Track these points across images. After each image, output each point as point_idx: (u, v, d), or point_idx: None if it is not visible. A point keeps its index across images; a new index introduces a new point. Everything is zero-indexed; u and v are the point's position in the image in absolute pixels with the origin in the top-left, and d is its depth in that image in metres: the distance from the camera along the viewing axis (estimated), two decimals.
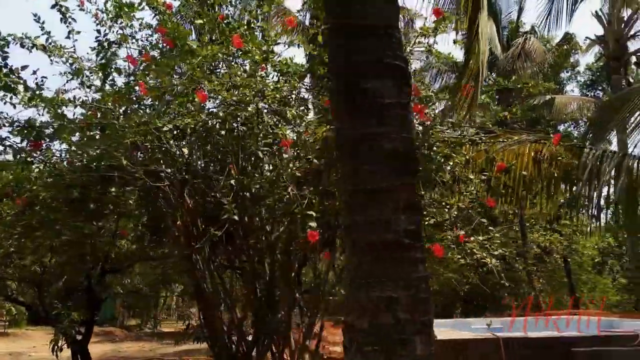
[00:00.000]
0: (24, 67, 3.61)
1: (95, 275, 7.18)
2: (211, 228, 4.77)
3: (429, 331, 2.02)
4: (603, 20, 14.11)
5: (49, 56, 4.27)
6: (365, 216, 2.03)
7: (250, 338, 4.68)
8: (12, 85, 3.53)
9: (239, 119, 3.96)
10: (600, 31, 14.48)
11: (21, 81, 3.61)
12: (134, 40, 4.90)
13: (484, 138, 4.05)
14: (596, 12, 14.04)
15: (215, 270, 4.77)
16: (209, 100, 4.53)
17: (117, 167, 4.17)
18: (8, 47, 3.57)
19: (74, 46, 4.51)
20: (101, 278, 7.35)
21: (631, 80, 15.65)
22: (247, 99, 3.93)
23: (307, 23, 9.35)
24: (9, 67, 3.58)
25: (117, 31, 4.76)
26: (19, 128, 3.73)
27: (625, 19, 14.17)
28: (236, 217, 3.63)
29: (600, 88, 22.47)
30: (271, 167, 4.29)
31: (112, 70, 3.94)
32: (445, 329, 10.80)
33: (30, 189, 4.28)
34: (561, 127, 21.29)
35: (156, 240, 5.69)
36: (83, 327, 7.12)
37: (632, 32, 14.31)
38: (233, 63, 4.51)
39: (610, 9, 13.79)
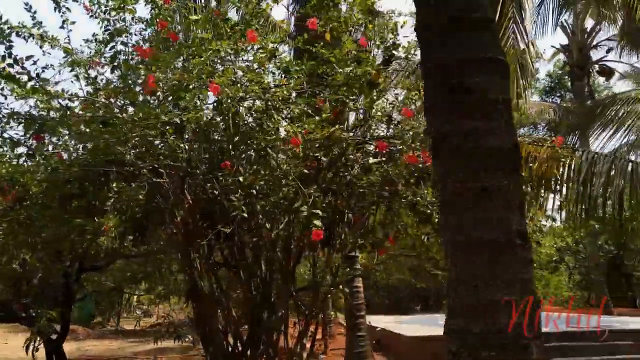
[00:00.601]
0: (28, 57, 3.46)
1: (73, 273, 6.97)
2: (209, 225, 4.77)
3: (542, 334, 1.99)
4: (567, 31, 14.73)
5: (41, 46, 4.13)
6: (474, 215, 1.98)
7: (246, 337, 4.65)
8: (17, 76, 3.38)
9: (247, 114, 3.94)
10: (564, 40, 15.14)
11: (25, 71, 3.46)
12: (127, 34, 4.83)
13: None
14: (561, 22, 14.66)
15: (210, 268, 4.72)
16: (207, 98, 4.49)
17: (117, 162, 4.07)
18: (10, 36, 3.40)
19: (68, 37, 4.39)
20: (78, 276, 7.14)
21: (592, 87, 16.41)
22: (256, 94, 3.92)
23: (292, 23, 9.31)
24: (13, 56, 3.42)
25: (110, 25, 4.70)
26: (22, 120, 3.57)
27: (588, 29, 14.86)
28: (245, 215, 3.60)
29: (558, 94, 23.39)
30: (277, 164, 4.28)
31: (121, 61, 3.83)
32: (416, 326, 11.06)
33: (24, 183, 4.12)
34: (521, 130, 22.03)
35: (140, 238, 5.58)
36: (58, 325, 6.91)
37: (594, 42, 15.02)
38: (234, 60, 4.49)
39: (574, 19, 14.40)
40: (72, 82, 4.48)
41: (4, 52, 3.41)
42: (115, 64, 3.81)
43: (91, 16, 4.71)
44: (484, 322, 1.93)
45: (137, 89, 4.16)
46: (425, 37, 2.28)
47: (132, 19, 4.75)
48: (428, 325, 11.40)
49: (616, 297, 15.95)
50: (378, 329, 10.99)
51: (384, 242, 5.20)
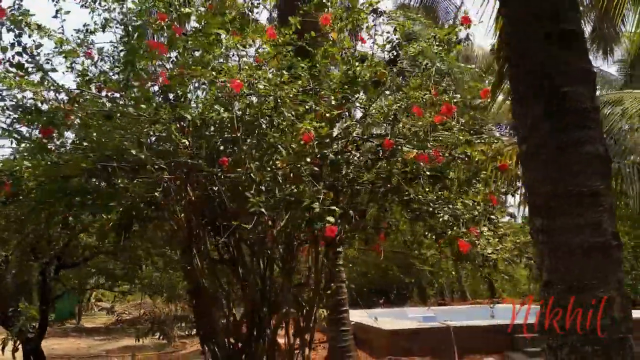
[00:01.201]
0: (38, 47, 3.32)
1: (51, 270, 6.75)
2: (208, 222, 4.72)
3: (632, 329, 2.09)
4: None
5: (29, 35, 3.97)
6: (571, 219, 2.08)
7: (246, 334, 4.63)
8: (26, 66, 3.24)
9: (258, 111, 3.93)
10: None
11: (34, 61, 3.32)
12: (118, 26, 4.74)
13: (486, 139, 4.29)
14: None
15: (211, 265, 4.68)
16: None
17: (119, 157, 3.97)
18: (24, 26, 3.25)
19: (62, 26, 4.25)
20: (57, 273, 6.92)
21: None
22: (266, 91, 3.91)
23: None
24: (22, 45, 3.27)
25: (101, 15, 4.61)
26: (24, 113, 3.43)
27: None
28: (264, 211, 3.59)
29: None
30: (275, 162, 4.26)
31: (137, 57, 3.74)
32: (388, 319, 11.26)
33: (20, 177, 3.96)
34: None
35: (126, 234, 5.46)
36: (36, 323, 6.68)
37: None
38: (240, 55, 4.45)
39: None
40: (63, 73, 4.35)
41: (13, 39, 3.26)
42: (130, 58, 3.68)
43: (82, 6, 4.60)
44: (584, 319, 2.03)
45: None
46: (519, 45, 2.34)
47: (122, 9, 4.69)
48: (400, 318, 11.65)
49: None
50: (352, 323, 11.12)
51: (375, 238, 5.29)
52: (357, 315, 11.84)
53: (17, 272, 6.74)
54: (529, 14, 2.31)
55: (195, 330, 10.67)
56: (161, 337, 6.80)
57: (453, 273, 15.13)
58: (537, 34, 2.27)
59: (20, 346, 6.04)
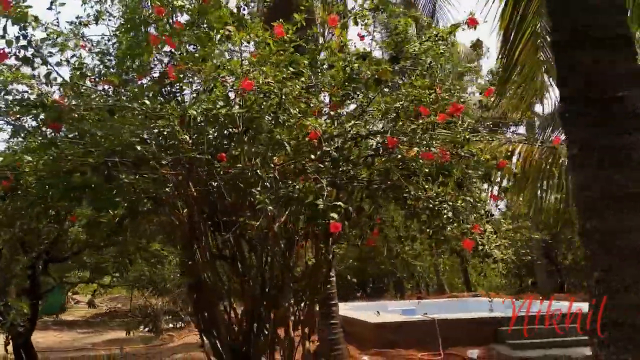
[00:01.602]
0: (43, 40, 3.27)
1: (40, 264, 6.66)
2: (208, 216, 4.73)
3: None
4: None
5: (24, 27, 3.91)
6: (628, 221, 2.14)
7: (246, 327, 4.66)
8: (32, 59, 3.18)
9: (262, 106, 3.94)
10: None
11: (39, 54, 3.26)
12: (111, 18, 4.71)
13: (485, 136, 4.39)
14: None
15: (212, 260, 4.68)
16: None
17: (122, 152, 3.94)
18: (27, 21, 3.18)
19: (57, 18, 4.20)
20: (46, 267, 6.83)
21: None
22: (270, 88, 3.92)
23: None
24: (27, 38, 3.21)
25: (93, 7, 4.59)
26: (25, 106, 3.37)
27: None
28: (271, 208, 3.61)
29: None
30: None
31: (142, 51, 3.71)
32: (370, 312, 11.39)
33: (21, 172, 3.91)
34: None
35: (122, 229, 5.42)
36: (25, 317, 6.59)
37: None
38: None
39: None
40: (58, 65, 4.30)
41: (18, 33, 3.20)
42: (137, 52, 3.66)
43: None
44: (635, 317, 2.13)
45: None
46: (568, 51, 2.39)
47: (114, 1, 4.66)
48: (382, 311, 11.80)
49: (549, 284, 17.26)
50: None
51: (370, 233, 5.36)
52: (343, 308, 11.96)
53: (5, 267, 6.63)
54: (578, 20, 2.35)
55: (182, 323, 10.69)
56: (150, 330, 6.77)
57: (446, 267, 15.37)
58: (587, 39, 2.30)
59: (11, 340, 5.96)
